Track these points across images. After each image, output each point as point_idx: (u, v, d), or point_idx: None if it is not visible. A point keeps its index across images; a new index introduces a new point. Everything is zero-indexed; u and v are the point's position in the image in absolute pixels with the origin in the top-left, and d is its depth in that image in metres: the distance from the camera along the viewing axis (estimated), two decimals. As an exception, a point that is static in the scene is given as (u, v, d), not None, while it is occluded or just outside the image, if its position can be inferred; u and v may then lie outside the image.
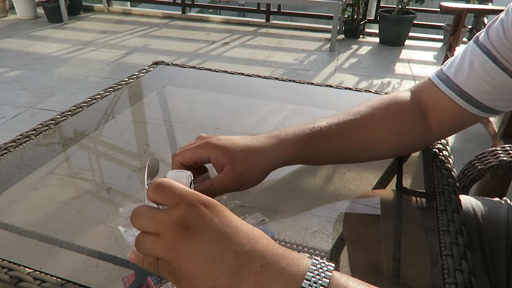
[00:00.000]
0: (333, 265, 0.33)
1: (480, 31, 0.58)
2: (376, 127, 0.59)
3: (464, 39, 4.24)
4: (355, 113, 0.58)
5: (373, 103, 0.60)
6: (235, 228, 0.34)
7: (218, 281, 0.32)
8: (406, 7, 4.11)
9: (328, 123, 0.56)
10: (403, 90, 0.64)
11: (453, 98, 0.58)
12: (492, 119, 1.98)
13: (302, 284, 0.31)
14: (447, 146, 0.72)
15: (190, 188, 0.39)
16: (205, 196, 0.35)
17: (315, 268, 0.32)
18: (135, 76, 1.00)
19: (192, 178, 0.41)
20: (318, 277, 0.32)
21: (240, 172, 0.48)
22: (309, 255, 0.34)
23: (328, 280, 0.31)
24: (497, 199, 0.77)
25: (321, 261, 0.33)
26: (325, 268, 0.32)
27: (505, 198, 0.78)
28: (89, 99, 0.87)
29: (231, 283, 0.32)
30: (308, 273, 0.32)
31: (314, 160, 0.58)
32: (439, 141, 0.73)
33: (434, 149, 0.71)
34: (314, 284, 0.31)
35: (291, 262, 0.33)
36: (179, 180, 0.39)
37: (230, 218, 0.34)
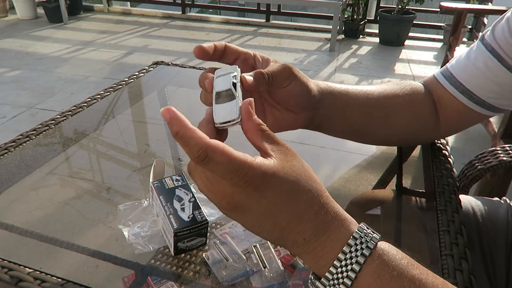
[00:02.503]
0: (379, 235, 0.34)
1: (486, 30, 0.58)
2: (395, 101, 0.59)
3: (464, 39, 4.24)
4: (377, 86, 0.60)
5: (391, 83, 0.61)
6: (282, 205, 0.34)
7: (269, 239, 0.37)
8: (406, 7, 4.11)
9: (354, 86, 0.57)
10: (414, 82, 0.64)
11: (456, 95, 0.59)
12: (492, 119, 1.98)
13: (340, 253, 0.33)
14: (447, 146, 0.72)
15: (236, 87, 0.39)
16: (254, 172, 0.32)
17: (358, 236, 0.33)
18: (135, 76, 1.00)
19: (240, 74, 0.41)
20: (362, 244, 0.33)
21: (291, 69, 0.48)
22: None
23: (373, 244, 0.33)
24: (496, 198, 0.77)
25: (369, 230, 0.34)
26: (370, 236, 0.33)
27: (504, 197, 0.78)
28: (89, 99, 0.87)
29: (279, 243, 0.36)
30: (349, 241, 0.33)
31: (340, 117, 0.56)
32: (439, 141, 0.73)
33: (434, 149, 0.71)
34: (354, 251, 0.33)
35: (326, 242, 0.34)
36: (225, 77, 0.39)
37: (278, 193, 0.33)
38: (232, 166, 0.31)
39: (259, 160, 0.33)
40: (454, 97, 0.59)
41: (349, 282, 0.32)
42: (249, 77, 0.42)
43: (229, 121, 0.37)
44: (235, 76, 0.40)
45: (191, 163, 0.35)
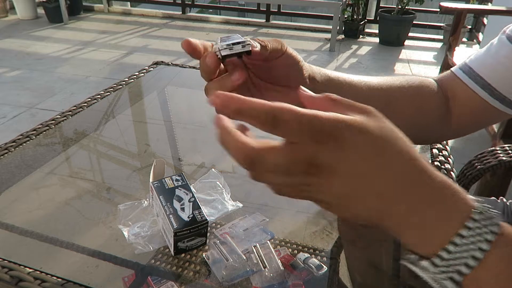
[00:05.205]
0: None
1: (508, 25, 0.56)
2: (398, 93, 0.56)
3: (464, 39, 4.24)
4: (381, 77, 0.57)
5: (399, 77, 0.58)
6: (377, 165, 0.29)
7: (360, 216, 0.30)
8: (406, 7, 4.11)
9: (355, 76, 0.55)
10: (425, 78, 0.60)
11: (477, 90, 0.55)
12: (492, 119, 1.98)
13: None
14: (447, 146, 0.72)
15: (242, 54, 0.34)
16: (332, 125, 0.28)
17: (479, 218, 0.28)
18: (135, 76, 1.00)
19: (249, 43, 0.36)
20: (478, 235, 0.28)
21: (280, 40, 0.46)
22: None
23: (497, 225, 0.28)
24: (493, 198, 0.78)
25: (484, 219, 0.28)
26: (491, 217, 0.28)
27: (501, 197, 0.78)
28: (89, 99, 0.87)
29: (371, 218, 0.30)
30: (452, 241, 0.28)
31: None
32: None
33: (434, 149, 0.71)
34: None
35: (440, 213, 0.29)
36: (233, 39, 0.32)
37: (370, 149, 0.28)
38: (305, 119, 0.27)
39: (334, 114, 0.28)
40: (473, 91, 0.56)
41: (473, 263, 0.27)
42: (256, 43, 0.40)
43: (238, 42, 0.31)
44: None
45: (249, 169, 0.29)
